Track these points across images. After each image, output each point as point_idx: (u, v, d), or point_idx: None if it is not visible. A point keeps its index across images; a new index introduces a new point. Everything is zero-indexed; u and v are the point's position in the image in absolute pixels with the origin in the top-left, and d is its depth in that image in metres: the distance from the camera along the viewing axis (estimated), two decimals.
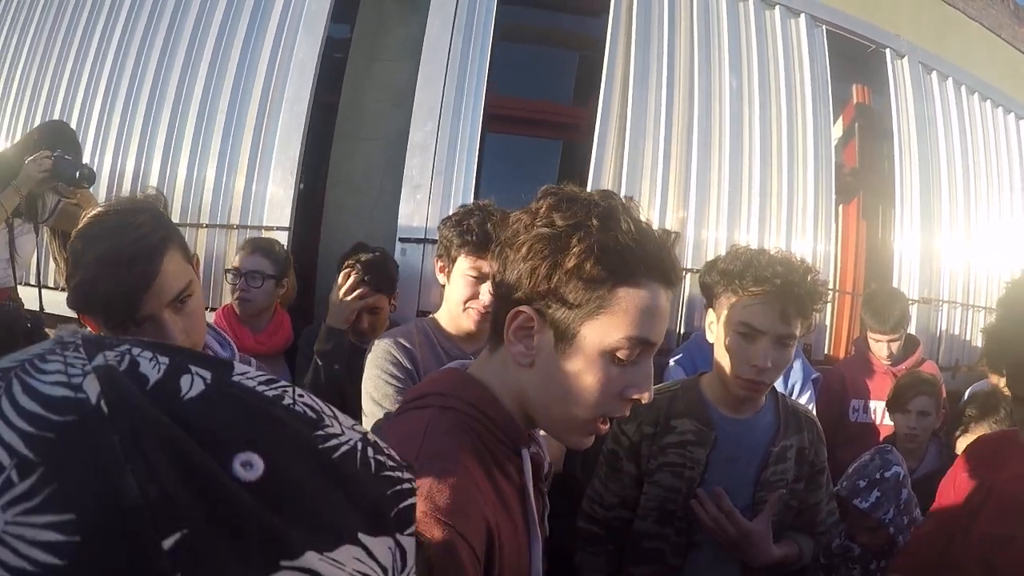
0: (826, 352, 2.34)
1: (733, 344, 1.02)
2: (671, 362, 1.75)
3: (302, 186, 2.07)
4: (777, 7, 2.44)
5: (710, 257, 1.56)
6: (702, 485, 1.06)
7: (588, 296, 0.56)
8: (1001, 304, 0.85)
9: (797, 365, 1.86)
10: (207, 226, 2.16)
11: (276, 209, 2.07)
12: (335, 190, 2.04)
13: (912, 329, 2.08)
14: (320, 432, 0.24)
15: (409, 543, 0.25)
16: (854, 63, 2.71)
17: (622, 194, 1.76)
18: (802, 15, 2.48)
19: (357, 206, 2.01)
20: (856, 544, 1.44)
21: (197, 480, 0.19)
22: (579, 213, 0.57)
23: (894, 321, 1.92)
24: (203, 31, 2.28)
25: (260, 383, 0.24)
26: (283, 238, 1.97)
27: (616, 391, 0.58)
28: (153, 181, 2.23)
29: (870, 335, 1.99)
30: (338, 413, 0.26)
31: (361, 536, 0.23)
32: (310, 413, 0.24)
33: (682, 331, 2.03)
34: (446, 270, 1.28)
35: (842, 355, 2.36)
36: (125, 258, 0.72)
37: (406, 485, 0.26)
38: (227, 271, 1.67)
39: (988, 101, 3.05)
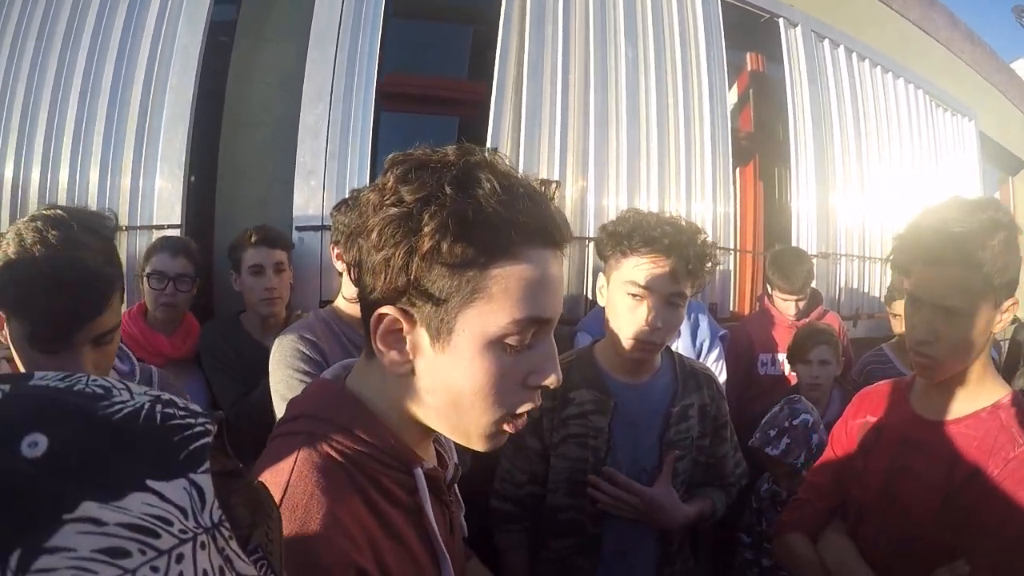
0: (731, 309, 2.44)
1: (623, 305, 1.02)
2: (578, 333, 1.77)
3: (192, 179, 1.96)
4: None
5: None
6: (609, 453, 1.06)
7: (456, 282, 0.47)
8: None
9: (704, 324, 1.92)
10: None
11: (166, 206, 1.95)
12: (225, 181, 1.94)
13: (813, 282, 2.18)
14: (105, 403, 0.26)
15: (204, 480, 0.26)
16: (748, 32, 2.81)
17: (520, 166, 1.71)
18: None
19: (250, 196, 1.92)
20: (782, 488, 1.51)
21: None
22: (429, 182, 0.47)
23: (800, 281, 2.01)
24: (80, 19, 2.11)
25: (55, 380, 0.27)
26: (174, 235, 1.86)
27: (516, 382, 0.50)
28: (34, 185, 2.06)
29: (777, 294, 2.07)
30: (132, 386, 0.28)
31: (150, 483, 0.24)
32: (99, 391, 0.27)
33: (591, 296, 2.06)
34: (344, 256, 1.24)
35: (747, 312, 2.47)
36: (81, 280, 0.69)
37: (197, 429, 0.27)
38: (148, 275, 1.57)
39: (878, 67, 3.25)
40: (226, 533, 0.26)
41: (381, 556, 0.50)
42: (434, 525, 0.55)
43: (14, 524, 0.21)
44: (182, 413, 0.27)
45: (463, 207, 0.46)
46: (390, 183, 0.48)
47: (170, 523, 0.24)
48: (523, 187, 0.49)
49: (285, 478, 0.49)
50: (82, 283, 0.69)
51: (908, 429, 0.89)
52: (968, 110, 3.93)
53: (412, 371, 0.51)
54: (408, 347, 0.50)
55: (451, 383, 0.50)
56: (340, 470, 0.51)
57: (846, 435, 1.01)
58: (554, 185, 0.53)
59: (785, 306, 2.10)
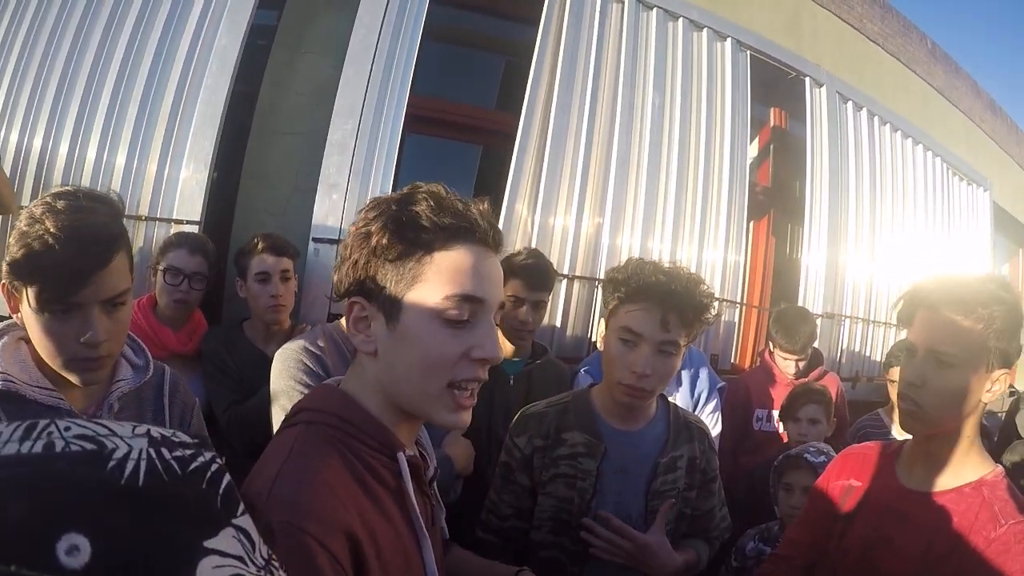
0: (732, 362, 2.45)
1: (616, 350, 1.03)
2: (581, 371, 1.78)
3: (216, 175, 1.99)
4: (705, 30, 2.55)
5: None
6: (595, 496, 1.07)
7: (400, 270, 0.59)
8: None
9: (704, 374, 1.92)
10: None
11: (187, 200, 1.98)
12: (248, 184, 1.97)
13: (816, 342, 2.19)
14: (112, 462, 0.22)
15: (245, 521, 0.25)
16: (774, 88, 2.85)
17: (539, 200, 1.77)
18: (728, 39, 2.59)
19: (270, 202, 1.95)
20: (770, 547, 1.50)
21: None
22: (383, 206, 0.61)
23: (803, 341, 2.02)
24: (123, 7, 2.16)
25: (20, 438, 0.22)
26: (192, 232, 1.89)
27: (457, 353, 0.59)
28: (60, 163, 2.09)
29: (778, 353, 2.08)
30: (111, 425, 0.24)
31: (207, 543, 0.23)
32: (88, 445, 0.23)
33: (594, 338, 2.07)
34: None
35: (747, 365, 2.47)
36: (85, 235, 0.72)
37: (214, 466, 0.25)
38: (164, 270, 1.58)
39: (899, 132, 3.29)
40: (276, 564, 0.26)
41: (370, 524, 0.55)
42: (416, 507, 0.61)
43: None
44: (190, 452, 0.25)
45: (398, 213, 0.59)
46: (362, 216, 0.62)
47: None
48: (455, 200, 0.61)
49: (285, 453, 0.57)
50: (85, 237, 0.72)
51: (891, 498, 0.90)
52: (984, 180, 3.96)
53: (375, 352, 0.61)
54: (371, 330, 0.61)
55: (403, 354, 0.60)
56: (333, 448, 0.58)
57: (828, 495, 1.01)
58: (484, 200, 0.65)
59: (785, 364, 2.11)
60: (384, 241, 0.58)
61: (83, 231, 0.72)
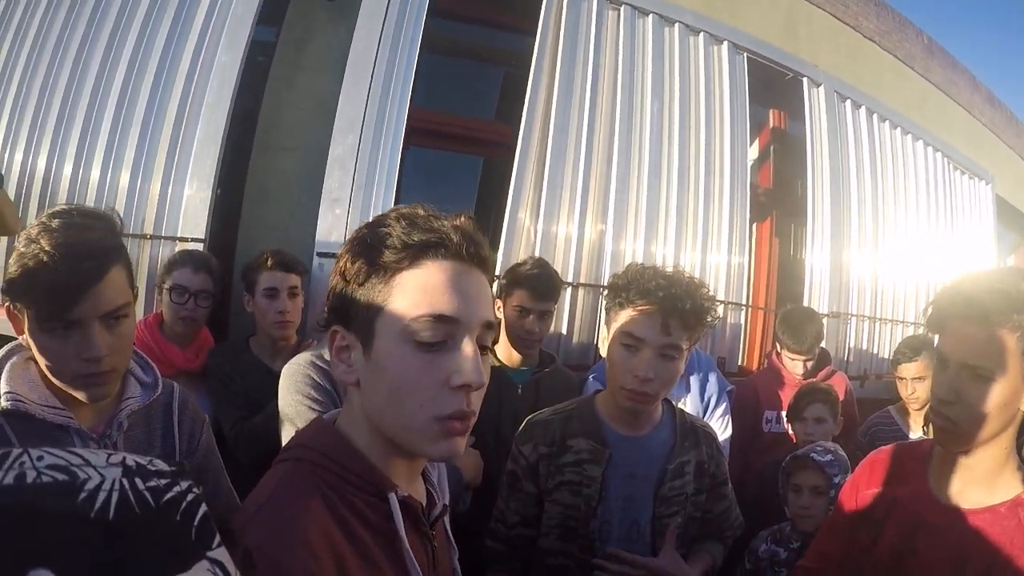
0: (740, 364, 2.44)
1: (618, 355, 1.03)
2: (589, 377, 1.78)
3: (219, 191, 2.00)
4: (702, 34, 2.56)
5: None
6: (601, 503, 1.07)
7: (368, 294, 0.56)
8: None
9: (712, 379, 1.92)
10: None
11: (191, 220, 1.99)
12: (252, 200, 1.98)
13: (823, 342, 2.18)
14: (83, 494, 0.22)
15: (221, 554, 0.24)
16: (773, 89, 2.86)
17: (542, 209, 1.76)
18: (725, 42, 2.60)
19: (274, 218, 1.96)
20: (782, 549, 1.50)
21: None
22: (358, 229, 0.59)
23: (810, 342, 2.02)
24: (124, 28, 2.19)
25: None
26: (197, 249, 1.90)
27: (436, 381, 0.54)
28: (65, 183, 2.11)
29: (786, 354, 2.07)
30: (85, 454, 0.24)
31: None
32: (60, 476, 0.22)
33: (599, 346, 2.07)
34: None
35: (755, 367, 2.46)
36: (79, 252, 0.73)
37: (190, 497, 0.25)
38: (170, 289, 1.59)
39: (898, 129, 3.29)
40: None
41: (348, 573, 0.52)
42: (408, 549, 0.57)
43: None
44: (165, 482, 0.25)
45: (368, 234, 0.57)
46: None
47: None
48: (425, 216, 0.58)
49: (265, 495, 0.55)
50: (79, 253, 0.73)
51: (923, 509, 0.86)
52: (986, 173, 3.95)
53: (357, 382, 0.58)
54: (351, 359, 0.58)
55: (380, 383, 0.56)
56: (316, 491, 0.55)
57: (857, 503, 0.97)
58: (463, 213, 0.62)
59: (793, 365, 2.10)
60: (350, 265, 0.56)
61: (77, 247, 0.73)
